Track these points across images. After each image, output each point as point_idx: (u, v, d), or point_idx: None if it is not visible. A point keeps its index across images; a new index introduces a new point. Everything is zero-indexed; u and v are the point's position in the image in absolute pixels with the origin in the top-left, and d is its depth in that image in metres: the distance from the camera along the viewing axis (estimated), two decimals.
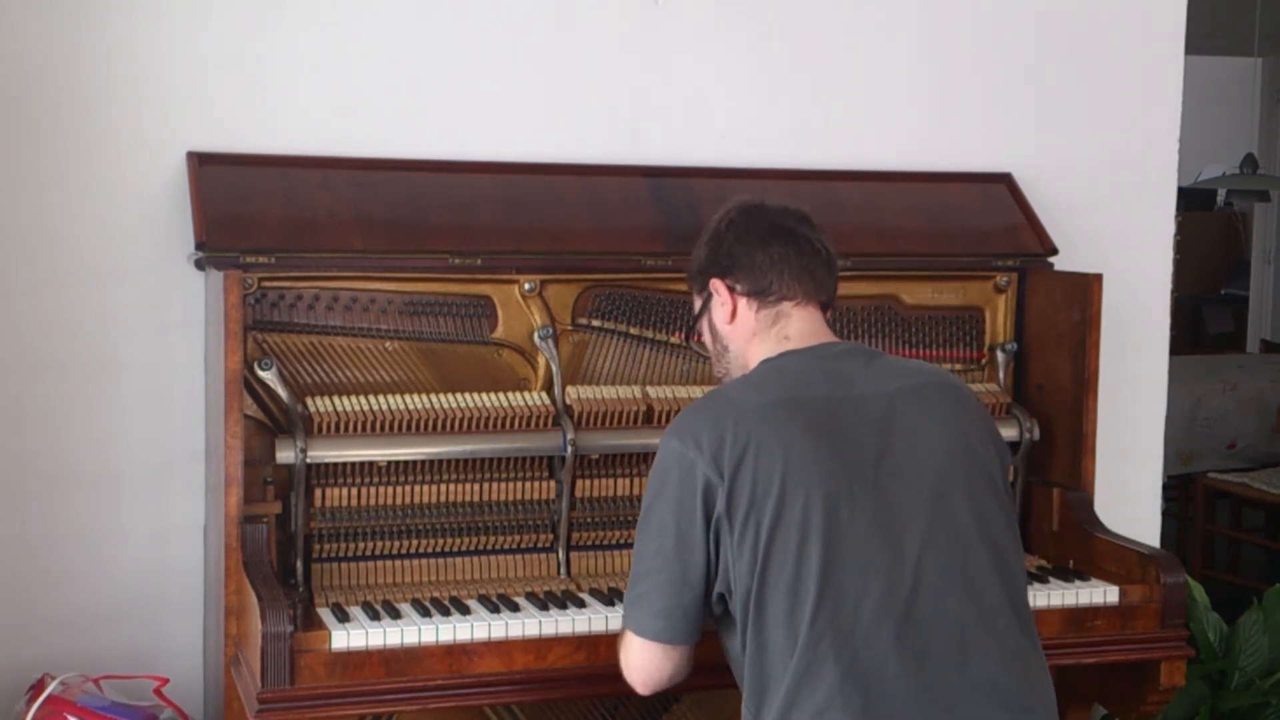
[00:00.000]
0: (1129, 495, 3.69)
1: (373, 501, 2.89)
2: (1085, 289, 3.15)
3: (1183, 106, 3.76)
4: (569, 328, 3.05)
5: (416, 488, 2.91)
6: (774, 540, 2.21)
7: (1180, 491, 6.35)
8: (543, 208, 3.12)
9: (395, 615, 2.67)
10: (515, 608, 2.73)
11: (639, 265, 3.07)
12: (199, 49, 3.06)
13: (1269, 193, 9.18)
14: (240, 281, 2.70)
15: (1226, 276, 10.88)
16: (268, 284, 2.88)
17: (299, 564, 2.84)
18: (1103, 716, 3.49)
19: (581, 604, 2.77)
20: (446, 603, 2.76)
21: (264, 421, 2.85)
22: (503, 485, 2.95)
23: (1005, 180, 3.49)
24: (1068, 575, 3.03)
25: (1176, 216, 3.83)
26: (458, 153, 3.19)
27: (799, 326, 2.43)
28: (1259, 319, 10.04)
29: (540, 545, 2.99)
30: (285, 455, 2.78)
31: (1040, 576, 3.02)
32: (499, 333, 3.02)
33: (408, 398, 2.90)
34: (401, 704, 2.60)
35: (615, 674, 2.40)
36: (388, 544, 2.90)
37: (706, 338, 2.56)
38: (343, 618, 2.65)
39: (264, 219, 2.94)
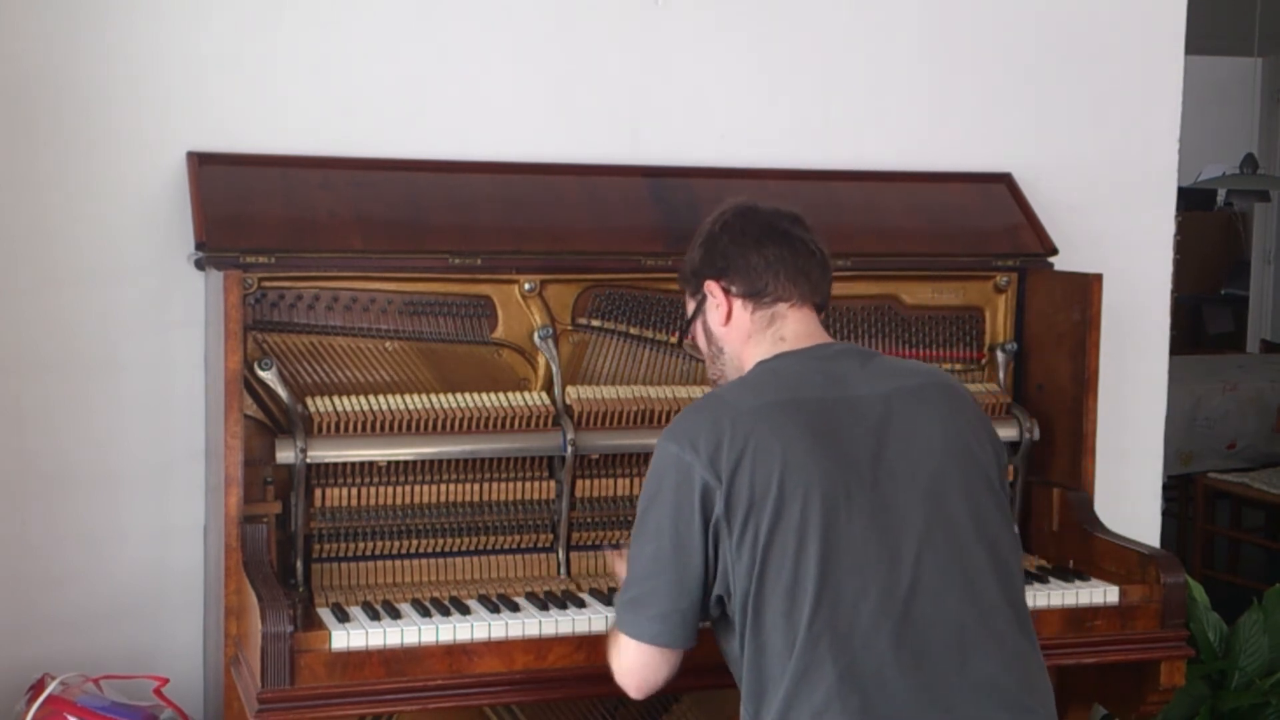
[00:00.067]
0: (1129, 495, 3.69)
1: (373, 501, 2.89)
2: (1085, 289, 3.15)
3: (1183, 106, 3.76)
4: (569, 328, 3.05)
5: (416, 488, 2.91)
6: (772, 542, 2.20)
7: (1180, 491, 6.35)
8: (543, 208, 3.12)
9: (395, 615, 2.67)
10: (515, 608, 2.73)
11: (639, 265, 3.07)
12: (199, 49, 3.06)
13: (1269, 193, 9.18)
14: (240, 281, 2.70)
15: (1226, 276, 10.89)
16: (268, 284, 2.88)
17: (299, 564, 2.84)
18: (1103, 716, 3.49)
19: (581, 604, 2.77)
20: (446, 603, 2.76)
21: (264, 421, 2.85)
22: (503, 485, 2.95)
23: (1005, 180, 3.49)
24: (1068, 575, 3.03)
25: (1176, 216, 3.83)
26: (458, 153, 3.19)
27: (794, 328, 2.43)
28: (1259, 319, 10.04)
29: (540, 545, 2.99)
30: (285, 455, 2.78)
31: (1040, 576, 3.02)
32: (499, 333, 3.02)
33: (408, 398, 2.90)
34: (401, 704, 2.60)
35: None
36: (388, 544, 2.90)
37: (701, 340, 2.55)
38: (343, 618, 2.65)
39: (264, 219, 2.94)
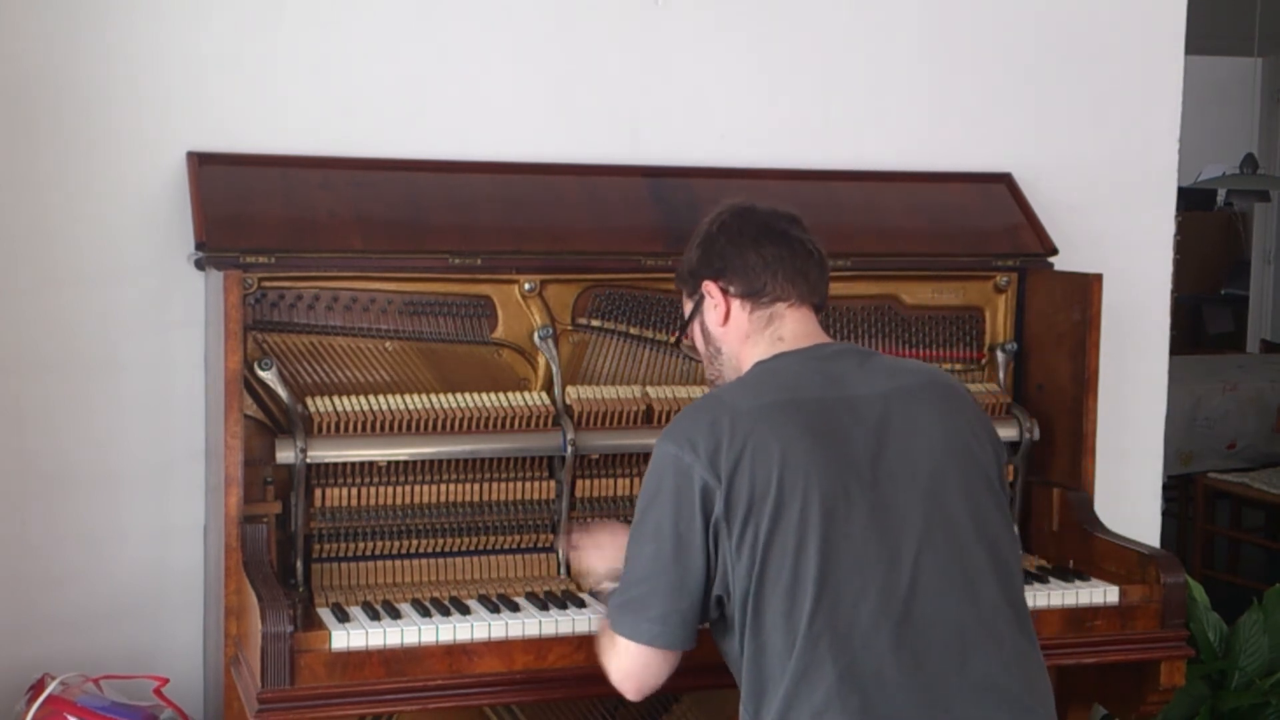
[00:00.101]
0: (1129, 495, 3.69)
1: (373, 501, 2.89)
2: (1085, 289, 3.15)
3: (1183, 106, 3.76)
4: (569, 328, 3.05)
5: (416, 488, 2.91)
6: (772, 542, 2.20)
7: (1180, 491, 6.35)
8: (543, 208, 3.12)
9: (395, 615, 2.67)
10: (515, 608, 2.73)
11: (639, 265, 3.07)
12: (199, 49, 3.06)
13: (1269, 193, 9.18)
14: (240, 281, 2.70)
15: (1226, 276, 10.89)
16: (268, 284, 2.88)
17: (299, 564, 2.84)
18: (1103, 716, 3.49)
19: (581, 604, 2.77)
20: (446, 603, 2.76)
21: (264, 421, 2.85)
22: (503, 485, 2.95)
23: (1005, 180, 3.49)
24: (1068, 575, 3.03)
25: (1176, 216, 3.83)
26: (458, 153, 3.19)
27: (793, 328, 2.43)
28: (1259, 319, 10.04)
29: (540, 545, 2.99)
30: (285, 455, 2.78)
31: (1040, 576, 3.02)
32: (499, 333, 3.02)
33: (408, 398, 2.90)
34: (401, 704, 2.60)
35: None
36: (388, 544, 2.90)
37: (698, 340, 2.55)
38: (343, 618, 2.65)
39: (264, 219, 2.94)
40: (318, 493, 2.85)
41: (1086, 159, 3.66)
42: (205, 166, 2.99)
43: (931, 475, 2.27)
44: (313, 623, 2.63)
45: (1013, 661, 2.23)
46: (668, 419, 2.80)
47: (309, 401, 2.85)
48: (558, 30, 3.29)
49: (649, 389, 3.06)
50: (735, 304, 2.45)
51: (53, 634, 3.05)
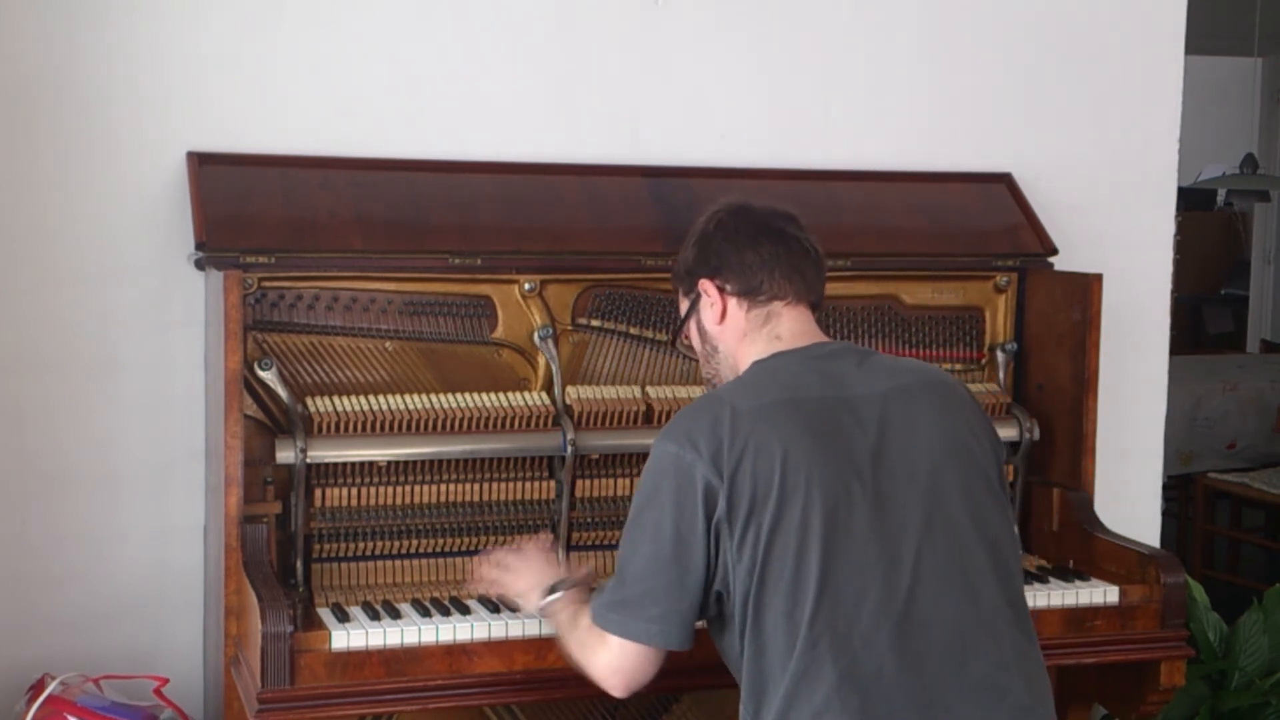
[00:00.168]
0: (1129, 495, 3.69)
1: (373, 501, 2.89)
2: (1085, 289, 3.15)
3: (1183, 106, 3.76)
4: (569, 328, 3.05)
5: (416, 488, 2.91)
6: (773, 542, 2.20)
7: (1180, 491, 6.35)
8: (543, 208, 3.12)
9: (395, 615, 2.67)
10: (515, 608, 2.72)
11: (639, 265, 3.07)
12: (199, 49, 3.06)
13: (1269, 193, 9.18)
14: (240, 281, 2.70)
15: (1226, 276, 10.89)
16: (268, 284, 2.88)
17: (299, 564, 2.84)
18: (1103, 716, 3.49)
19: None
20: (446, 603, 2.76)
21: (264, 421, 2.85)
22: (503, 485, 2.95)
23: (1005, 180, 3.49)
24: (1068, 575, 3.03)
25: (1176, 216, 3.83)
26: (458, 153, 3.19)
27: (790, 326, 2.43)
28: (1259, 319, 10.04)
29: None
30: (285, 455, 2.78)
31: (1040, 576, 3.02)
32: (499, 333, 3.02)
33: (408, 398, 2.90)
34: (401, 704, 2.60)
35: None
36: (388, 544, 2.90)
37: (695, 339, 2.55)
38: (343, 618, 2.65)
39: (264, 219, 2.94)
40: (318, 493, 2.85)
41: (1086, 159, 3.66)
42: (205, 166, 2.99)
43: (931, 474, 2.27)
44: (313, 623, 2.63)
45: (1012, 661, 2.23)
46: (667, 419, 2.79)
47: (309, 401, 2.85)
48: (558, 30, 3.29)
49: (649, 389, 3.06)
50: (732, 302, 2.45)
51: (53, 634, 3.05)
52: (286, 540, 2.84)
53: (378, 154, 3.13)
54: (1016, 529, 2.40)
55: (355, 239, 2.94)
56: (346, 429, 2.85)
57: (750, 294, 2.43)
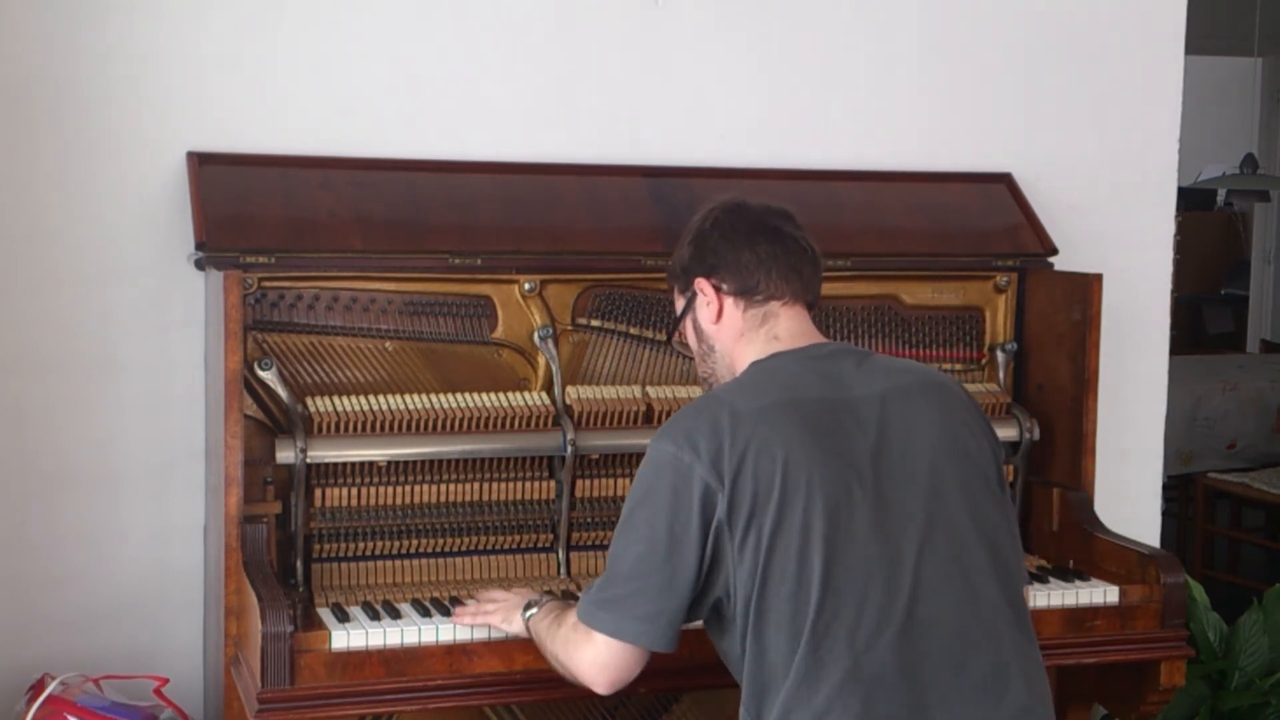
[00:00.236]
0: (1129, 495, 3.69)
1: (373, 501, 2.89)
2: (1085, 289, 3.15)
3: (1183, 106, 3.76)
4: (569, 328, 3.05)
5: (416, 488, 2.91)
6: (775, 545, 2.20)
7: (1180, 491, 6.35)
8: (543, 208, 3.12)
9: (395, 615, 2.67)
10: None
11: (639, 265, 3.07)
12: (199, 49, 3.06)
13: (1269, 193, 9.18)
14: (240, 281, 2.70)
15: (1226, 276, 10.89)
16: (268, 284, 2.88)
17: (299, 564, 2.84)
18: (1103, 716, 3.49)
19: None
20: (446, 603, 2.76)
21: (264, 421, 2.85)
22: (502, 485, 2.95)
23: (1005, 180, 3.49)
24: (1068, 575, 3.03)
25: (1176, 216, 3.83)
26: (458, 153, 3.19)
27: (788, 326, 2.42)
28: (1259, 319, 10.05)
29: (540, 545, 2.99)
30: (285, 455, 2.78)
31: (1040, 576, 3.01)
32: (499, 333, 3.02)
33: (408, 398, 2.90)
34: (401, 704, 2.60)
35: None
36: (388, 544, 2.90)
37: (691, 338, 2.54)
38: (343, 618, 2.65)
39: (264, 219, 2.94)
40: (318, 493, 2.85)
41: (1086, 159, 3.66)
42: (205, 166, 2.99)
43: (931, 475, 2.27)
44: (313, 623, 2.63)
45: (1013, 661, 2.23)
46: (667, 419, 2.80)
47: (309, 401, 2.85)
48: (558, 30, 3.29)
49: (649, 389, 3.06)
50: (728, 302, 2.44)
51: (53, 634, 3.05)
52: (286, 540, 2.84)
53: (378, 154, 3.13)
54: (1017, 528, 2.39)
55: (355, 239, 2.94)
56: (346, 429, 2.85)
57: (747, 293, 2.43)
